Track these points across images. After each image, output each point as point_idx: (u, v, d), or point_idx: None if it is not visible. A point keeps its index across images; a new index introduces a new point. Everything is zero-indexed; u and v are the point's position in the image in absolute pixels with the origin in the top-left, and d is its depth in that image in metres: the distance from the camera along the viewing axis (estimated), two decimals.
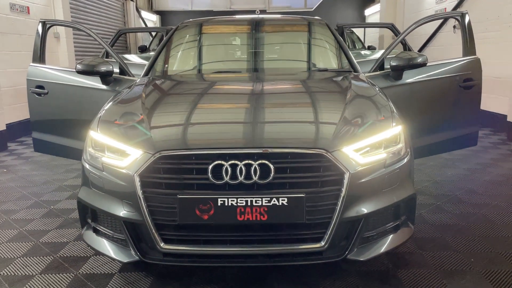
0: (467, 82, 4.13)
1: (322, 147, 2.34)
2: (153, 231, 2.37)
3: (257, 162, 2.29)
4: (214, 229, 2.37)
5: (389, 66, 3.90)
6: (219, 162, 2.31)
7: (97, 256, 3.17)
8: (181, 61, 4.19)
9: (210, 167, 2.30)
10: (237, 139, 2.47)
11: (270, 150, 2.33)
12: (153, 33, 11.69)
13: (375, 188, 2.43)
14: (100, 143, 2.61)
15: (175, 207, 2.32)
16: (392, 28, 7.92)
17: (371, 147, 2.45)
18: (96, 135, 2.66)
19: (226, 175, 2.29)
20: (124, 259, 2.49)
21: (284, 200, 2.28)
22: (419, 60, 3.73)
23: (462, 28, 4.34)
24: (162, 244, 2.38)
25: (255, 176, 2.28)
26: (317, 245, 2.36)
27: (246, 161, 2.30)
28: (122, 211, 2.42)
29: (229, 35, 4.62)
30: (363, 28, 16.75)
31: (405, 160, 2.58)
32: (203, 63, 4.19)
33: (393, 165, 2.50)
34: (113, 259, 2.58)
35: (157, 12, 17.84)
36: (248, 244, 2.37)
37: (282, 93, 3.23)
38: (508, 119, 7.10)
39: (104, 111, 2.92)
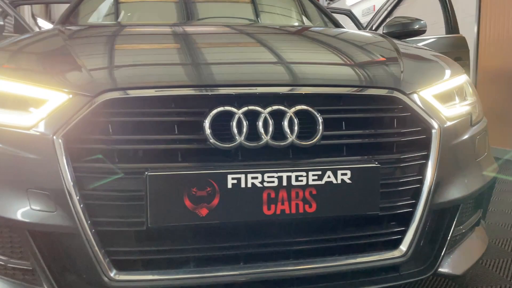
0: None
1: (394, 86, 1.39)
2: (95, 247, 1.19)
3: (293, 109, 1.26)
4: (217, 236, 1.27)
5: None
6: (225, 108, 1.24)
7: None
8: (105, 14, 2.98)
9: (208, 118, 1.22)
10: (254, 70, 1.42)
11: (313, 90, 1.32)
12: None
13: (469, 156, 1.52)
14: None
15: (141, 197, 1.19)
16: (350, 15, 7.28)
17: (447, 95, 1.55)
18: None
19: (239, 133, 1.22)
20: None
21: (345, 174, 1.26)
22: (416, 26, 2.99)
23: (443, 6, 3.78)
24: (113, 274, 1.21)
25: (292, 133, 1.25)
26: (394, 253, 1.36)
27: (274, 107, 1.26)
28: (25, 212, 1.21)
29: None
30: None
31: (485, 120, 1.73)
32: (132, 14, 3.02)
33: (478, 124, 1.63)
34: None
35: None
36: (281, 260, 1.29)
37: (277, 34, 2.18)
38: None
39: None
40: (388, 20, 3.13)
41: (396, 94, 1.37)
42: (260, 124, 1.24)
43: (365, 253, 1.35)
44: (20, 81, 1.33)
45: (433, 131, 1.38)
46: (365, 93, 1.37)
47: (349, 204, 1.28)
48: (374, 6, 8.58)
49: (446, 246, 1.44)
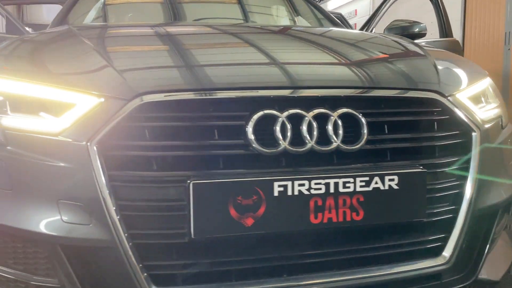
0: None
1: (434, 89, 1.36)
2: (133, 261, 1.11)
3: (338, 113, 1.21)
4: (260, 247, 1.19)
5: None
6: (268, 112, 1.17)
7: None
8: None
9: (251, 122, 1.16)
10: (295, 72, 1.36)
11: (355, 92, 1.27)
12: None
13: (504, 159, 1.50)
14: None
15: (182, 207, 1.11)
16: (341, 18, 7.25)
17: (478, 97, 1.53)
18: None
19: (284, 137, 1.16)
20: None
21: (393, 180, 1.22)
22: (416, 29, 2.99)
23: (437, 10, 3.81)
24: None
25: (337, 137, 1.19)
26: (437, 261, 1.32)
27: (319, 111, 1.20)
28: (56, 225, 1.12)
29: None
30: None
31: (509, 124, 1.71)
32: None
33: (506, 127, 1.61)
34: None
35: (29, 25, 15.43)
36: (325, 271, 1.23)
37: (289, 35, 2.11)
38: None
39: None
40: (390, 22, 3.12)
41: (436, 96, 1.34)
42: (304, 128, 1.18)
43: (408, 261, 1.30)
44: (46, 84, 1.23)
45: (474, 134, 1.35)
46: (406, 95, 1.33)
47: (397, 211, 1.23)
48: (356, 10, 8.65)
49: (486, 251, 1.41)
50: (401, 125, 1.30)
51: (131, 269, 1.10)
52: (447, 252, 1.32)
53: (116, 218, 1.09)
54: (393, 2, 3.52)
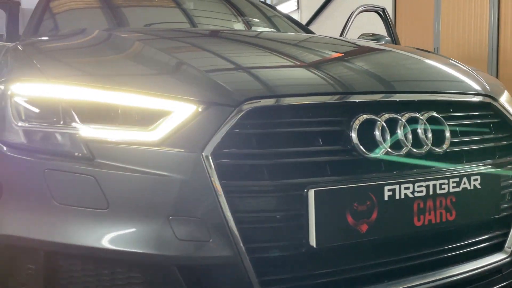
0: None
1: (487, 93, 1.45)
2: (254, 278, 1.04)
3: (426, 116, 1.25)
4: (369, 253, 1.18)
5: None
6: (369, 116, 1.17)
7: None
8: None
9: (355, 127, 1.15)
10: (387, 77, 1.37)
11: (434, 97, 1.32)
12: None
13: None
14: (69, 104, 1.13)
15: (297, 216, 1.07)
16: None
17: (510, 102, 1.67)
18: (48, 89, 1.16)
19: (384, 141, 1.17)
20: None
21: (476, 180, 1.28)
22: (383, 42, 3.18)
23: (386, 24, 4.08)
24: None
25: (428, 140, 1.23)
26: (500, 255, 1.40)
27: (411, 114, 1.23)
28: (170, 243, 1.01)
29: None
30: None
31: None
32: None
33: None
34: None
35: None
36: (420, 273, 1.24)
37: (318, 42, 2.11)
38: None
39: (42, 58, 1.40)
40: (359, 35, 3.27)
41: (490, 101, 1.43)
42: (400, 132, 1.20)
43: (479, 257, 1.36)
44: (136, 91, 1.12)
45: None
46: (471, 100, 1.40)
47: (480, 209, 1.29)
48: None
49: None
50: (469, 127, 1.36)
51: (251, 282, 1.03)
52: (509, 246, 1.40)
53: (236, 231, 1.02)
54: (358, 14, 3.71)
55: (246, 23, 2.74)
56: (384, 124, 1.18)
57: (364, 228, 1.12)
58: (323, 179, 1.10)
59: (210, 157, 1.02)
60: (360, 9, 3.90)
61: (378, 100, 1.23)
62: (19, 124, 1.14)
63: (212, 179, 1.01)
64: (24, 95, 1.17)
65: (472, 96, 1.42)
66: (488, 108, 1.43)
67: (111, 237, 1.03)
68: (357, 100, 1.20)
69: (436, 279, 1.24)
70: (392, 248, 1.20)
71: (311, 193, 1.06)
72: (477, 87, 1.47)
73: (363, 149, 1.14)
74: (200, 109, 1.07)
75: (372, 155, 1.15)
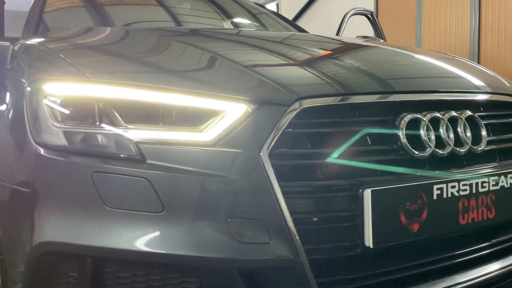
0: None
1: (509, 93, 1.49)
2: (313, 280, 1.02)
3: (464, 116, 1.26)
4: (418, 252, 1.18)
5: None
6: (414, 116, 1.18)
7: None
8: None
9: (403, 126, 1.15)
10: (429, 76, 1.38)
11: (469, 96, 1.34)
12: None
13: None
14: (119, 103, 1.08)
15: (352, 217, 1.06)
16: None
17: None
18: (93, 88, 1.11)
19: (430, 140, 1.17)
20: None
21: None
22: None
23: (375, 28, 4.15)
24: None
25: (467, 139, 1.24)
26: None
27: (451, 114, 1.23)
28: (231, 246, 0.98)
29: None
30: None
31: None
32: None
33: None
34: None
35: None
36: (464, 270, 1.25)
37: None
38: None
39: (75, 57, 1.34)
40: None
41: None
42: (443, 131, 1.21)
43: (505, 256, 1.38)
44: (185, 91, 1.08)
45: None
46: (499, 99, 1.43)
47: None
48: None
49: None
50: (495, 125, 1.39)
51: (309, 284, 1.01)
52: None
53: (295, 233, 1.00)
54: (351, 16, 3.75)
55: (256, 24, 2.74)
56: (429, 123, 1.19)
57: (415, 227, 1.12)
58: (376, 178, 1.10)
59: (267, 157, 1.00)
60: (352, 12, 3.95)
61: (426, 99, 1.24)
62: (59, 125, 1.08)
63: (271, 179, 0.99)
64: (62, 95, 1.11)
65: (502, 96, 1.45)
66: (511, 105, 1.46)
67: (166, 241, 0.99)
68: (407, 99, 1.20)
69: (480, 275, 1.25)
70: (438, 246, 1.21)
71: (367, 193, 1.05)
72: (505, 87, 1.50)
73: (411, 148, 1.14)
74: (252, 109, 1.05)
75: (420, 154, 1.15)
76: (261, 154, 1.00)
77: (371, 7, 6.05)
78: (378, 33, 4.20)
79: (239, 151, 1.01)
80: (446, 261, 1.22)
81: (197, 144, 1.02)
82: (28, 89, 1.17)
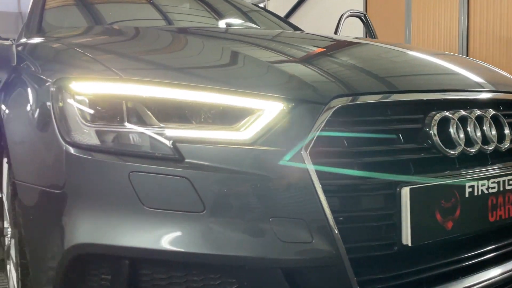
0: None
1: None
2: (354, 279, 1.01)
3: (490, 114, 1.28)
4: (454, 249, 1.19)
5: None
6: (444, 114, 1.19)
7: None
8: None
9: (435, 124, 1.16)
10: (453, 77, 1.39)
11: (491, 96, 1.36)
12: None
13: None
14: (154, 102, 1.06)
15: (389, 215, 1.06)
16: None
17: None
18: (124, 87, 1.08)
19: (459, 139, 1.19)
20: None
21: None
22: None
23: (368, 29, 4.20)
24: None
25: (493, 138, 1.26)
26: None
27: (477, 113, 1.25)
28: (275, 245, 0.97)
29: None
30: None
31: None
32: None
33: None
34: None
35: None
36: (491, 266, 1.27)
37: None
38: None
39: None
40: None
41: None
42: (471, 129, 1.22)
43: None
44: (222, 89, 1.07)
45: None
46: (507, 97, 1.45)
47: None
48: None
49: None
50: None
51: (350, 284, 1.01)
52: None
53: (336, 231, 0.99)
54: (346, 18, 3.78)
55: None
56: (458, 122, 1.20)
57: (449, 225, 1.12)
58: (411, 177, 1.10)
59: (308, 156, 0.99)
60: (348, 13, 3.99)
61: (453, 98, 1.25)
62: (91, 124, 1.06)
63: (312, 177, 0.98)
64: (93, 93, 1.09)
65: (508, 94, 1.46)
66: None
67: (207, 240, 0.97)
68: (436, 98, 1.21)
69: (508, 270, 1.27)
70: (468, 243, 1.22)
71: (405, 191, 1.05)
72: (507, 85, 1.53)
73: (443, 147, 1.15)
74: (289, 107, 1.04)
75: (452, 152, 1.16)
76: (302, 152, 0.99)
77: (360, 9, 6.12)
78: (372, 34, 4.25)
79: (280, 149, 1.00)
80: (476, 257, 1.23)
81: (235, 142, 1.01)
82: (53, 88, 1.14)
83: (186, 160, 0.99)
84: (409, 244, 1.05)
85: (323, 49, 1.59)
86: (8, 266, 1.69)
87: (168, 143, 1.01)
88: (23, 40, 1.98)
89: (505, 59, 4.67)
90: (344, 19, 3.82)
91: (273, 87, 1.09)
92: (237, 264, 0.98)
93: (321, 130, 1.02)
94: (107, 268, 1.04)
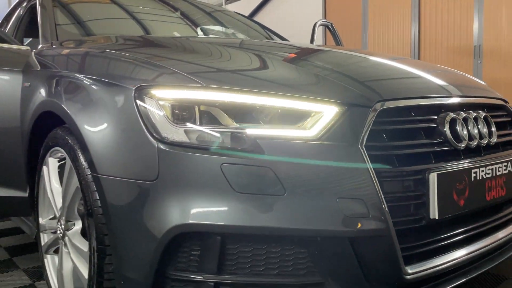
0: None
1: (500, 97, 1.87)
2: (398, 246, 1.28)
3: (482, 115, 1.60)
4: (464, 222, 1.50)
5: None
6: (453, 115, 1.49)
7: None
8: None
9: (446, 124, 1.46)
10: (456, 83, 1.71)
11: (479, 100, 1.70)
12: None
13: None
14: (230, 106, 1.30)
15: (422, 195, 1.35)
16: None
17: None
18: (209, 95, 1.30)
19: (464, 135, 1.50)
20: None
21: None
22: None
23: (334, 35, 4.52)
24: (408, 268, 1.31)
25: (485, 134, 1.59)
26: None
27: (474, 113, 1.57)
28: (343, 220, 1.22)
29: None
30: None
31: None
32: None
33: None
34: None
35: None
36: (489, 235, 1.60)
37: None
38: None
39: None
40: None
41: (502, 102, 1.84)
42: (470, 127, 1.53)
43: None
44: (293, 96, 1.32)
45: None
46: (491, 102, 1.79)
47: None
48: None
49: None
50: (498, 123, 1.74)
51: (396, 253, 1.27)
52: None
53: (387, 208, 1.26)
54: (318, 26, 4.09)
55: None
56: (462, 122, 1.50)
57: (462, 203, 1.42)
58: (436, 165, 1.39)
59: (364, 148, 1.25)
60: (319, 23, 4.30)
61: (457, 102, 1.56)
62: (180, 125, 1.26)
63: (368, 166, 1.24)
64: (179, 99, 1.29)
65: (496, 100, 1.81)
66: (503, 108, 1.84)
67: (288, 217, 1.21)
68: (455, 101, 1.54)
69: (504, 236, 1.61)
70: (473, 217, 1.54)
71: (433, 176, 1.34)
72: (496, 93, 1.88)
73: (454, 141, 1.45)
74: (344, 110, 1.30)
75: (459, 145, 1.46)
76: (359, 146, 1.25)
77: (320, 15, 6.51)
78: (338, 42, 4.58)
79: (342, 143, 1.25)
80: (483, 227, 1.55)
81: (304, 138, 1.25)
82: (137, 94, 1.32)
83: (266, 153, 1.22)
84: (436, 218, 1.34)
85: (360, 59, 1.89)
86: (54, 258, 1.82)
87: (250, 139, 1.23)
88: (44, 48, 2.11)
89: (452, 66, 5.20)
90: (317, 28, 4.14)
91: (328, 94, 1.35)
92: (312, 235, 1.22)
93: (370, 128, 1.29)
94: (198, 245, 1.24)
